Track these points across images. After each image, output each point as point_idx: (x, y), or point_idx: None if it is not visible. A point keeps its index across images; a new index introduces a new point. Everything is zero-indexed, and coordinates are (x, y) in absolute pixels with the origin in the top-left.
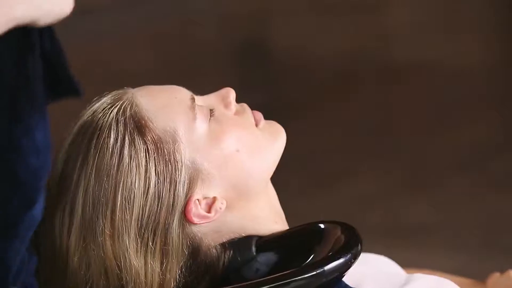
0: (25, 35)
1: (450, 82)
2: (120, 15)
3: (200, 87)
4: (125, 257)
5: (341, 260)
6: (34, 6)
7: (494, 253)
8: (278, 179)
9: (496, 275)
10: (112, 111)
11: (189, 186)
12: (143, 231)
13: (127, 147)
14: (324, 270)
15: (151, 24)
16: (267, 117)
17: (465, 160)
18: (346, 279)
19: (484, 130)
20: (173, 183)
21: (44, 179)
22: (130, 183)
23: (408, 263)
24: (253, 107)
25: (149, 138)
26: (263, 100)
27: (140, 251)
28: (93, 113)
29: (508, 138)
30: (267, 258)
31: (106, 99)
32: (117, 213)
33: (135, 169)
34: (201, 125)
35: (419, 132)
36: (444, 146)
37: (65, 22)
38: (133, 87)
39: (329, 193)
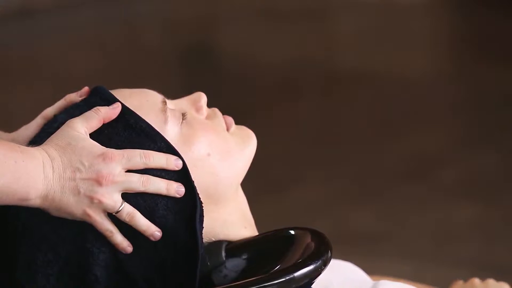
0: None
1: (396, 91)
2: (66, 17)
3: None
4: None
5: (311, 267)
6: None
7: (442, 261)
8: None
9: (459, 282)
10: None
11: None
12: None
13: None
14: (294, 276)
15: (97, 27)
16: None
17: (411, 169)
18: (314, 285)
19: (430, 139)
20: None
21: None
22: None
23: None
24: None
25: None
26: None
27: None
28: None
29: (454, 148)
30: (236, 263)
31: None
32: None
33: None
34: (173, 128)
35: (366, 141)
36: (391, 155)
37: (12, 22)
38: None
39: (277, 200)
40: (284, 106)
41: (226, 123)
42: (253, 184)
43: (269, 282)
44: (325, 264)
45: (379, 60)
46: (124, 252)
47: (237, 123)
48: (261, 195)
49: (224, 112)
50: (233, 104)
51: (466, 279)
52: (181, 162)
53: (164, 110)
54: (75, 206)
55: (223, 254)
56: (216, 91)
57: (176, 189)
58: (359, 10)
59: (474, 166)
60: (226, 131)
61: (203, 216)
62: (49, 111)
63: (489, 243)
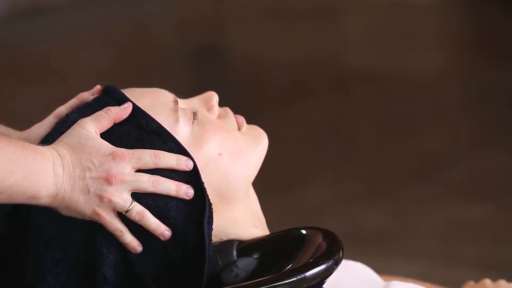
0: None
1: (405, 91)
2: (76, 15)
3: None
4: None
5: (322, 266)
6: None
7: (451, 261)
8: None
9: (471, 283)
10: None
11: None
12: None
13: None
14: (305, 276)
15: (108, 26)
16: None
17: (420, 169)
18: (325, 285)
19: (439, 139)
20: None
21: None
22: None
23: None
24: None
25: None
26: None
27: None
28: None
29: (462, 148)
30: (247, 263)
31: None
32: None
33: None
34: (184, 127)
35: (375, 141)
36: (399, 155)
37: (22, 21)
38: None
39: (286, 199)
40: (293, 105)
41: (237, 122)
42: (263, 184)
43: (280, 281)
44: (336, 264)
45: (388, 59)
46: (134, 252)
47: (246, 122)
48: (270, 195)
49: (232, 112)
50: (242, 103)
51: (475, 279)
52: (191, 162)
53: (175, 109)
54: (84, 205)
55: (234, 253)
56: (225, 91)
57: (185, 191)
58: (368, 10)
59: (483, 166)
60: (237, 131)
61: (212, 218)
62: (62, 110)
63: (498, 243)
